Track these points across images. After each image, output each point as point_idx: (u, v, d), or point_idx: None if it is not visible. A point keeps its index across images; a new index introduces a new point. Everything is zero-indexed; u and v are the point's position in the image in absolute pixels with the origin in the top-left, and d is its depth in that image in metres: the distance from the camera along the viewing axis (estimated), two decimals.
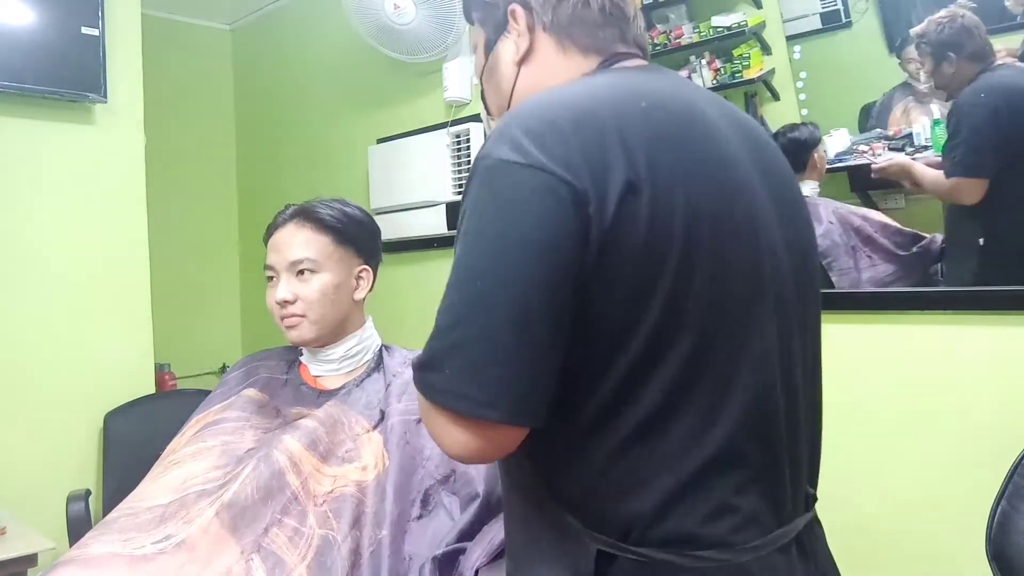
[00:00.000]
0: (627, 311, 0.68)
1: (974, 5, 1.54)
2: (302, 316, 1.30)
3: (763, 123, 1.90)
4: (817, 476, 0.87)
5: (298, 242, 1.30)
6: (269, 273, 1.33)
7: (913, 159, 1.65)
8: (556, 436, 0.73)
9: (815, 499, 0.86)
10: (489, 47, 0.89)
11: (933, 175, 1.61)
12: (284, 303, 1.29)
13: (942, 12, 1.57)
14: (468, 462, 0.74)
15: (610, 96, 0.73)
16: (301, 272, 1.30)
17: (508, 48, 0.86)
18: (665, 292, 0.68)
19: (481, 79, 0.92)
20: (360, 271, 1.37)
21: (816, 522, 0.86)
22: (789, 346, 0.78)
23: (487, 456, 0.70)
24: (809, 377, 0.83)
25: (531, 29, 0.84)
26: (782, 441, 0.77)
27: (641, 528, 0.71)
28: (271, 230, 1.36)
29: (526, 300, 0.65)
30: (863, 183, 1.75)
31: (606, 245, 0.66)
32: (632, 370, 0.69)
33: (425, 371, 0.69)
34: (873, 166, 1.70)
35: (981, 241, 1.54)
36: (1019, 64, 1.50)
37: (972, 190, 1.55)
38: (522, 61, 0.85)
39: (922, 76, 1.62)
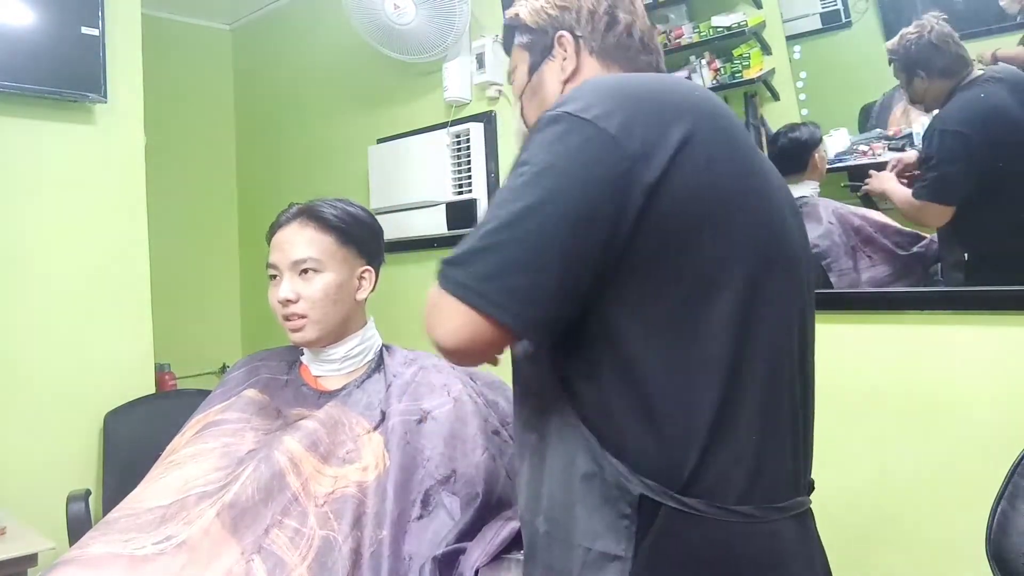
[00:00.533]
0: (679, 248, 0.75)
1: (946, 16, 1.54)
2: (304, 316, 1.29)
3: (763, 123, 1.90)
4: (811, 464, 0.93)
5: (301, 241, 1.30)
6: (272, 272, 1.33)
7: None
8: (608, 371, 0.78)
9: (812, 487, 0.91)
10: (533, 69, 0.97)
11: (903, 194, 1.64)
12: (287, 302, 1.29)
13: (911, 27, 1.57)
14: (452, 354, 0.79)
15: (674, 81, 0.89)
16: (304, 271, 1.30)
17: (554, 69, 0.95)
18: (711, 231, 0.76)
19: (521, 97, 1.00)
20: (363, 271, 1.37)
21: (812, 517, 0.90)
22: (804, 326, 0.87)
23: (471, 350, 0.77)
24: (811, 365, 0.91)
25: (578, 53, 0.94)
26: (797, 411, 0.85)
27: (684, 475, 0.75)
28: (274, 228, 1.35)
29: (555, 228, 0.73)
30: (863, 183, 1.76)
31: (653, 193, 0.73)
32: (686, 300, 0.76)
33: (451, 266, 0.77)
34: (864, 186, 1.73)
35: (966, 256, 1.56)
36: (996, 73, 1.49)
37: (938, 215, 1.58)
38: (568, 80, 0.94)
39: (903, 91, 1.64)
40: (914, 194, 1.60)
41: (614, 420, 0.78)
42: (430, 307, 0.79)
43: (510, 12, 1.01)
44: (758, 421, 0.78)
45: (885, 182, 1.67)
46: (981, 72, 1.51)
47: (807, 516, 0.86)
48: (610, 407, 0.78)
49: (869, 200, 1.77)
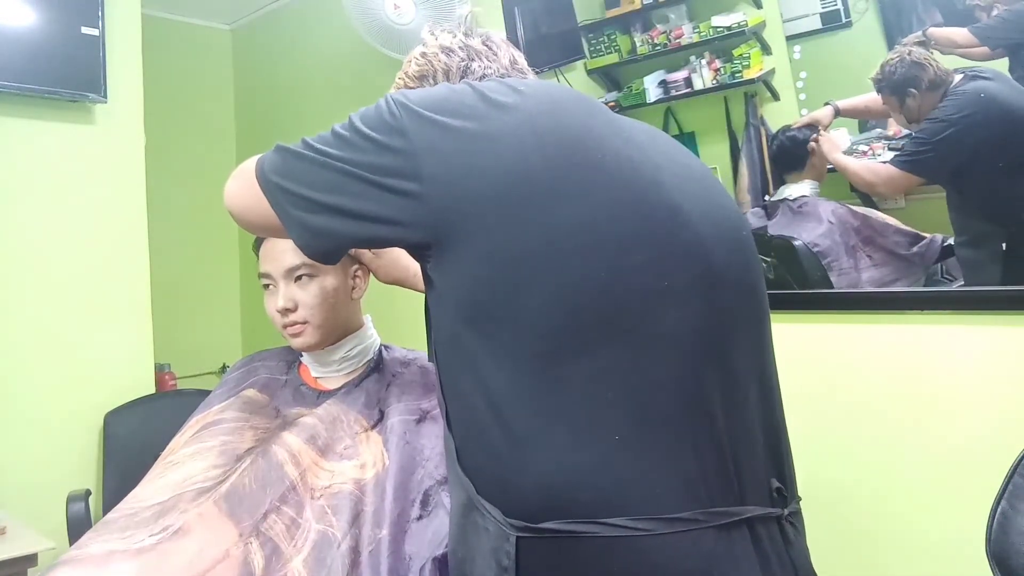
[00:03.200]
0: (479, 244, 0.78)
1: (923, 38, 1.62)
2: (304, 323, 1.29)
3: (763, 123, 1.90)
4: (784, 471, 0.87)
5: (292, 248, 1.29)
6: (265, 281, 1.32)
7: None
8: (471, 411, 0.81)
9: (786, 498, 0.84)
10: None
11: (861, 163, 1.75)
12: (285, 311, 1.29)
13: (891, 54, 1.65)
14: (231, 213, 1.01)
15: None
16: (299, 278, 1.29)
17: None
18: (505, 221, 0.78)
19: None
20: (356, 270, 1.36)
21: (791, 524, 0.84)
22: (722, 339, 0.81)
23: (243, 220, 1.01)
24: (758, 372, 0.86)
25: None
26: (715, 415, 0.79)
27: (545, 501, 0.75)
28: (260, 239, 1.34)
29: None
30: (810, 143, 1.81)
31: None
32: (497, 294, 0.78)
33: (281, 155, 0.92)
34: (812, 140, 1.82)
35: (1004, 246, 1.55)
36: (982, 72, 1.55)
37: (906, 185, 1.68)
38: None
39: (892, 116, 1.69)
40: (895, 163, 1.67)
41: (485, 454, 0.80)
42: (247, 175, 0.95)
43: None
44: (623, 426, 0.75)
45: (833, 151, 1.77)
46: (963, 74, 1.57)
47: (745, 528, 0.77)
48: (461, 422, 0.83)
49: (869, 199, 1.77)
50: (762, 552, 0.78)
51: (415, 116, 0.81)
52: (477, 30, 1.05)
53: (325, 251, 0.89)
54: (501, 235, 0.77)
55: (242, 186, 0.95)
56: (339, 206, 0.82)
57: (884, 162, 1.70)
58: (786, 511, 0.83)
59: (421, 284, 1.25)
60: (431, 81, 1.00)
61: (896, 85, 1.64)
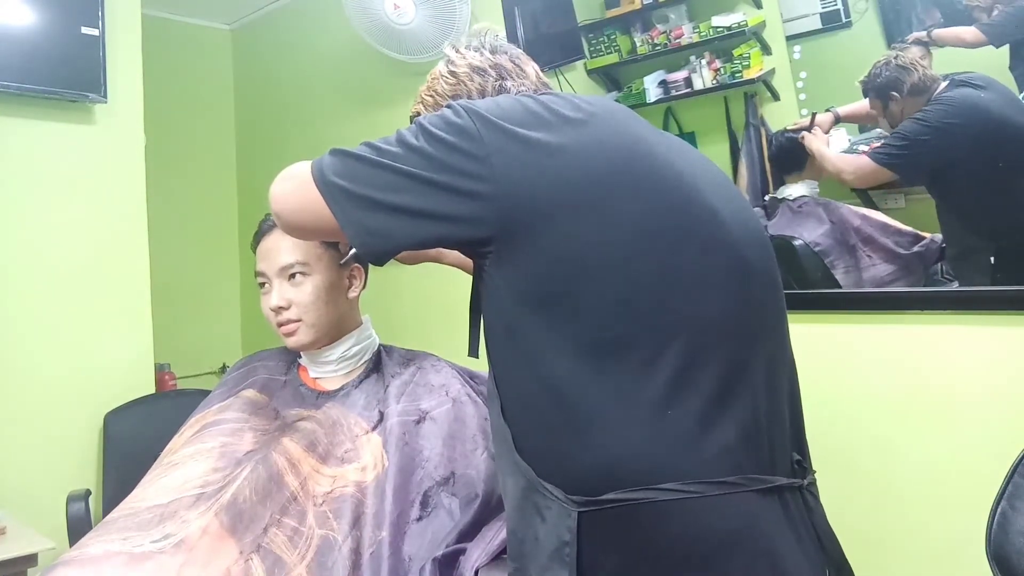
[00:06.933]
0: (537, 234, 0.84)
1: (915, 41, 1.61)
2: (298, 321, 1.29)
3: (763, 123, 1.90)
4: (802, 446, 0.94)
5: (286, 247, 1.29)
6: (261, 280, 1.33)
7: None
8: (513, 365, 0.87)
9: (804, 468, 0.92)
10: None
11: (836, 153, 1.77)
12: (279, 310, 1.29)
13: (880, 57, 1.65)
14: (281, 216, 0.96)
15: None
16: (292, 276, 1.30)
17: None
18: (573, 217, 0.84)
19: None
20: (351, 269, 1.36)
21: (811, 493, 0.91)
22: (757, 326, 0.90)
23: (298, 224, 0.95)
24: (785, 357, 0.95)
25: None
26: (754, 388, 0.86)
27: (605, 475, 0.80)
28: (258, 237, 1.35)
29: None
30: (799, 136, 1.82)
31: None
32: (558, 280, 0.83)
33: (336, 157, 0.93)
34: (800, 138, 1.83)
35: (992, 260, 1.56)
36: (972, 79, 1.55)
37: (875, 178, 1.69)
38: None
39: (878, 120, 1.70)
40: (870, 155, 1.68)
41: (541, 431, 0.85)
42: (299, 177, 0.92)
43: (412, 110, 1.10)
44: (675, 401, 0.81)
45: (814, 142, 1.79)
46: (950, 80, 1.58)
47: (776, 495, 0.85)
48: (518, 409, 0.87)
49: (869, 199, 1.77)
50: (790, 517, 0.86)
51: (487, 123, 0.86)
52: (500, 45, 1.08)
53: (380, 251, 0.91)
54: (566, 231, 0.83)
55: (295, 188, 0.94)
56: (401, 205, 0.86)
57: (861, 153, 1.71)
58: (806, 481, 0.90)
59: (447, 258, 1.27)
60: (464, 99, 1.02)
61: (879, 88, 1.65)
